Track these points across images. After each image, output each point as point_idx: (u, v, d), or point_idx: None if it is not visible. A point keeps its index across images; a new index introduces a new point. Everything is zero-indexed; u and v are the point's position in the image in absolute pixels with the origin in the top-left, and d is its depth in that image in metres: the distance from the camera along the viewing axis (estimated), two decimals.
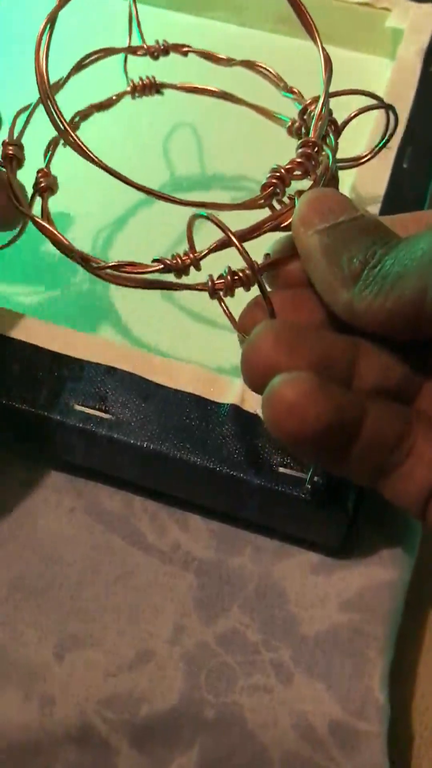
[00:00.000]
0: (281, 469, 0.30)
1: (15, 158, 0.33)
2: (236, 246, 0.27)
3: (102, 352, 0.33)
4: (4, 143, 0.33)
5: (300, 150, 0.29)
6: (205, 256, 0.28)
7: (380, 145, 0.32)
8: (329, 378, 0.24)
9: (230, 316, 0.29)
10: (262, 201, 0.29)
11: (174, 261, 0.28)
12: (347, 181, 0.37)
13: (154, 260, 0.28)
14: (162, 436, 0.31)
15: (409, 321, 0.24)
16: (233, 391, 0.32)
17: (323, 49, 0.30)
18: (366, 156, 0.33)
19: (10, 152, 0.33)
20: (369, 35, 0.46)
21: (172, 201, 0.28)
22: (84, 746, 0.29)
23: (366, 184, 0.38)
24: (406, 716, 0.33)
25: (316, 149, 0.29)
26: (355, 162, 0.33)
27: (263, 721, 0.29)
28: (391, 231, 0.26)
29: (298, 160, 0.29)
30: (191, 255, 0.28)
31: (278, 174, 0.29)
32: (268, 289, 0.28)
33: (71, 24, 0.49)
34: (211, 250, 0.28)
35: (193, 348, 0.36)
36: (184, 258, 0.28)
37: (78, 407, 0.31)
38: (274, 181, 0.29)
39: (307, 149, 0.29)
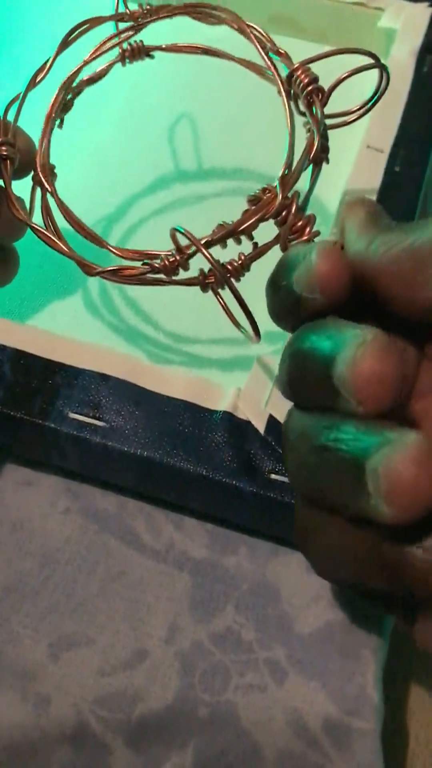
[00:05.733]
0: (273, 476, 0.30)
1: (9, 159, 0.32)
2: (203, 254, 0.28)
3: (96, 360, 0.33)
4: None
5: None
6: (189, 257, 0.29)
7: (371, 103, 0.31)
8: None
9: (226, 309, 0.30)
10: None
11: (162, 263, 0.29)
12: (338, 183, 0.37)
13: (144, 264, 0.30)
14: (155, 443, 0.31)
15: (415, 259, 0.24)
16: (226, 398, 0.32)
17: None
18: (354, 113, 0.32)
19: (4, 152, 0.31)
20: (362, 35, 0.46)
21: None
22: (79, 745, 0.29)
23: (358, 186, 0.38)
24: (400, 715, 0.33)
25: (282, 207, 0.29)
26: (343, 121, 0.32)
27: (257, 719, 0.30)
28: None
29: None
30: (177, 257, 0.29)
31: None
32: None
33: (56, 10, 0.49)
34: (192, 255, 0.29)
35: (187, 355, 0.36)
36: (171, 260, 0.29)
37: (72, 415, 0.32)
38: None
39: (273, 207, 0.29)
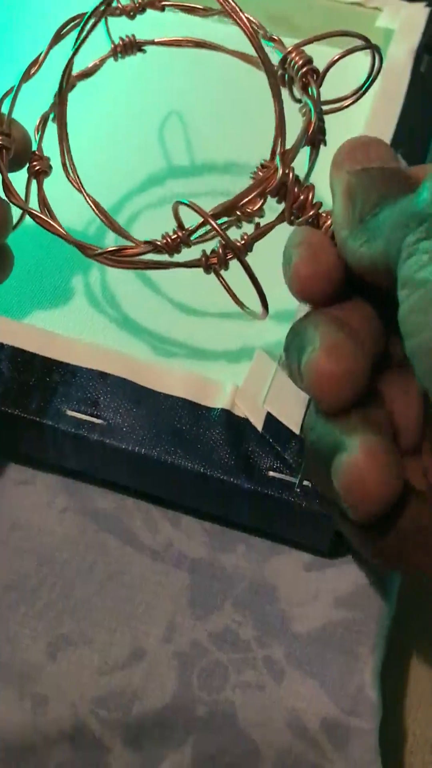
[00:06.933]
0: (271, 473, 0.30)
1: (4, 148, 0.32)
2: (212, 226, 0.28)
3: (94, 358, 0.33)
4: None
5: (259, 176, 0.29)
6: (191, 233, 0.29)
7: (365, 87, 0.31)
8: None
9: (228, 289, 0.30)
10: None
11: (164, 241, 0.29)
12: None
13: (145, 242, 0.29)
14: (153, 441, 0.31)
15: (381, 270, 0.25)
16: (224, 396, 0.32)
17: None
18: (349, 98, 0.31)
19: (0, 142, 0.32)
20: None
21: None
22: (77, 745, 0.29)
23: None
24: (398, 713, 0.33)
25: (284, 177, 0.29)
26: (339, 106, 0.31)
27: (255, 718, 0.29)
28: (408, 185, 0.26)
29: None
30: (179, 233, 0.29)
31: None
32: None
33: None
34: (195, 229, 0.29)
35: (185, 353, 0.36)
36: (173, 237, 0.29)
37: (70, 413, 0.32)
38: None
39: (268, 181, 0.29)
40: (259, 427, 0.31)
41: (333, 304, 0.26)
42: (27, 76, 0.34)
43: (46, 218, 0.31)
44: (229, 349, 0.36)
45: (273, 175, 0.28)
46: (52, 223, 0.31)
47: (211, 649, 0.31)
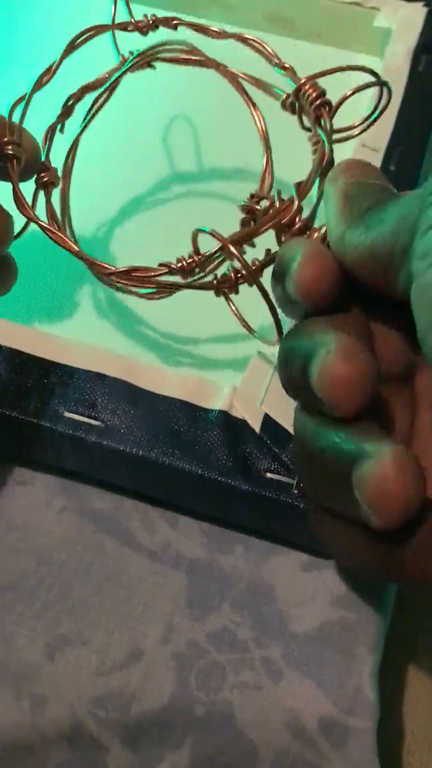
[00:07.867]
0: (269, 475, 0.30)
1: (15, 158, 0.32)
2: (233, 253, 0.28)
3: (91, 359, 0.33)
4: (2, 141, 0.31)
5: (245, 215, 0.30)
6: (207, 258, 0.29)
7: (372, 118, 0.32)
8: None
9: (237, 314, 0.30)
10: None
11: (179, 264, 0.29)
12: None
13: (161, 264, 0.30)
14: (151, 443, 0.31)
15: (378, 259, 0.25)
16: (221, 397, 0.32)
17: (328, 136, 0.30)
18: (356, 128, 0.32)
19: (10, 151, 0.32)
20: (358, 34, 0.46)
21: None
22: (75, 745, 0.29)
23: None
24: (396, 713, 0.33)
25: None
26: (346, 136, 0.32)
27: (253, 718, 0.30)
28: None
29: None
30: (195, 258, 0.29)
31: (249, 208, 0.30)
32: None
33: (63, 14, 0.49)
34: (212, 255, 0.29)
35: (182, 354, 0.36)
36: (189, 261, 0.29)
37: (67, 414, 0.32)
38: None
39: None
40: (257, 428, 0.31)
41: (329, 310, 0.26)
42: (39, 84, 0.34)
43: (59, 234, 0.31)
44: (226, 350, 0.36)
45: (289, 207, 0.29)
46: (64, 238, 0.31)
47: (208, 649, 0.31)
